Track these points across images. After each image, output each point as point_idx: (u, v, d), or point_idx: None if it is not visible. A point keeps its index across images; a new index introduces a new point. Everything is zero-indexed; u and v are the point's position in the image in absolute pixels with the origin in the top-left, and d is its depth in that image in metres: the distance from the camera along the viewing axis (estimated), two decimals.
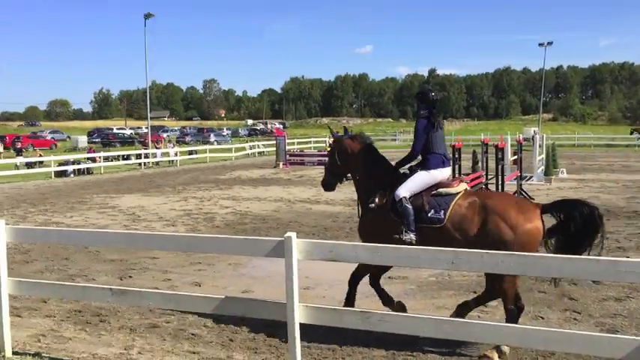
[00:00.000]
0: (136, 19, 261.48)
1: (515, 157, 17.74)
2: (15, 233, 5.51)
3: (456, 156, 13.49)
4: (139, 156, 34.92)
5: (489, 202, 5.36)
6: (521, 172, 17.09)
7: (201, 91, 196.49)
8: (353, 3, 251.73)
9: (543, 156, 21.74)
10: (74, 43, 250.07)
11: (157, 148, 39.12)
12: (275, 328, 6.01)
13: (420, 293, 7.38)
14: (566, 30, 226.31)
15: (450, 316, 5.34)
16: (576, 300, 6.88)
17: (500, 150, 15.15)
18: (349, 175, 6.36)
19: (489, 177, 15.73)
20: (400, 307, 5.94)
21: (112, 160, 34.40)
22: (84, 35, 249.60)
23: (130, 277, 8.45)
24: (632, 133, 62.15)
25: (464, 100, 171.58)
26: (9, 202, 17.61)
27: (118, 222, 13.50)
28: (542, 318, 6.30)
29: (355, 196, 6.48)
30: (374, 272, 5.94)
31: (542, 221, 5.24)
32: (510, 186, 16.23)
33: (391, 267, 5.93)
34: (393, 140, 66.87)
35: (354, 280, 6.02)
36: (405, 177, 5.82)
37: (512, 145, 19.51)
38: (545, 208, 5.31)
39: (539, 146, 21.90)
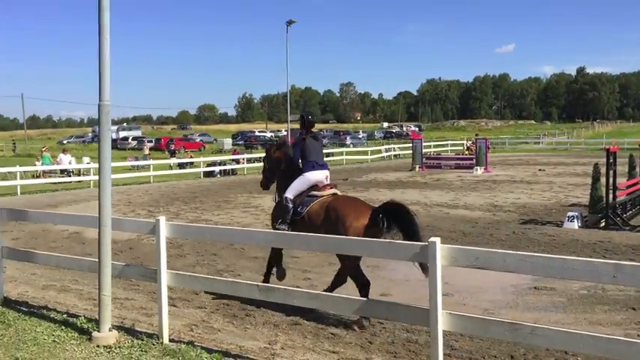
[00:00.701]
0: (276, 26, 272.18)
1: None
2: (173, 229, 5.94)
3: (610, 160, 12.46)
4: None
5: (333, 202, 6.83)
6: None
7: (338, 95, 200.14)
8: (494, 1, 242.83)
9: None
10: (220, 53, 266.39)
11: None
12: (414, 333, 5.96)
13: (571, 306, 6.91)
14: None
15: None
16: None
17: None
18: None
19: None
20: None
21: (253, 162, 36.07)
22: (229, 44, 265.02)
23: (272, 274, 8.76)
24: None
25: (617, 101, 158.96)
26: (164, 200, 19.11)
27: (261, 221, 14.10)
28: None
29: None
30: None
31: (370, 220, 6.31)
32: None
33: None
34: (537, 144, 63.36)
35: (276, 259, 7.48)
36: (295, 180, 7.35)
37: None
38: (376, 210, 6.38)
39: None
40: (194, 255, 10.21)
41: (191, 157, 37.60)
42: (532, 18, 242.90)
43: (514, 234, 11.65)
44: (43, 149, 31.08)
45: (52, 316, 6.59)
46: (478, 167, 28.86)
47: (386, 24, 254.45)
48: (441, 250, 4.22)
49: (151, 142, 69.11)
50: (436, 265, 4.19)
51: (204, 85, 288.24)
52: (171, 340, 5.73)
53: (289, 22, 40.82)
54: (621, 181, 13.99)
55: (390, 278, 8.43)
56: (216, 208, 16.62)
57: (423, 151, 33.59)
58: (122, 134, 75.02)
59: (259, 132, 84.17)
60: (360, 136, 78.19)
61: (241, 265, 9.37)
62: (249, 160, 35.09)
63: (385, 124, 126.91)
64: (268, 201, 17.98)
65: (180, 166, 33.23)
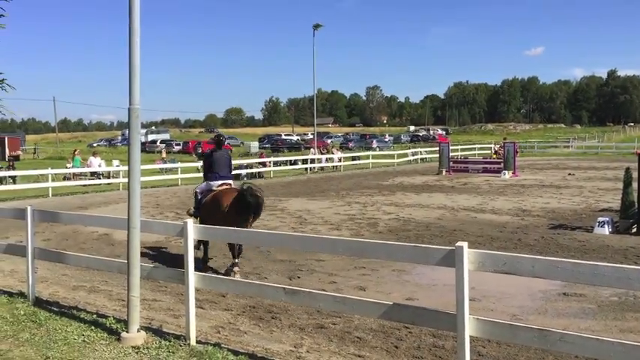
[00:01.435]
0: (303, 30, 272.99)
1: None
2: (201, 232, 6.01)
3: None
4: (305, 161, 36.41)
5: (217, 192, 9.36)
6: None
7: (364, 98, 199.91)
8: (523, 3, 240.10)
9: None
10: (248, 57, 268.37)
11: (321, 153, 40.44)
12: (440, 339, 5.92)
13: (601, 313, 6.79)
14: None
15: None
16: None
17: None
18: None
19: None
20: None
21: (280, 165, 36.20)
22: (256, 48, 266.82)
23: (299, 277, 8.80)
24: None
25: None
26: (192, 202, 19.25)
27: (287, 224, 14.15)
28: None
29: None
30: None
31: (232, 202, 8.84)
32: None
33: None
34: (566, 147, 62.34)
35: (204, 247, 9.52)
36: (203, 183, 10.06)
37: None
38: (235, 195, 8.90)
39: None
40: (221, 257, 10.29)
41: None
42: (562, 20, 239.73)
43: (543, 239, 11.49)
44: (76, 152, 31.65)
45: (82, 316, 6.71)
46: (506, 171, 28.51)
47: (413, 27, 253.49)
48: (468, 255, 4.18)
49: (179, 145, 69.96)
50: (463, 269, 4.16)
51: (231, 89, 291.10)
52: (198, 342, 5.78)
53: (316, 26, 40.94)
54: None
55: (416, 283, 8.38)
56: None
57: (450, 154, 33.33)
58: (151, 137, 76.05)
59: (286, 135, 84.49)
60: (387, 140, 77.99)
61: (267, 268, 9.42)
62: (275, 164, 35.22)
63: (412, 128, 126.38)
64: (294, 204, 18.06)
65: None
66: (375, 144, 68.84)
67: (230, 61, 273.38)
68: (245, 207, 8.71)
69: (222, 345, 5.74)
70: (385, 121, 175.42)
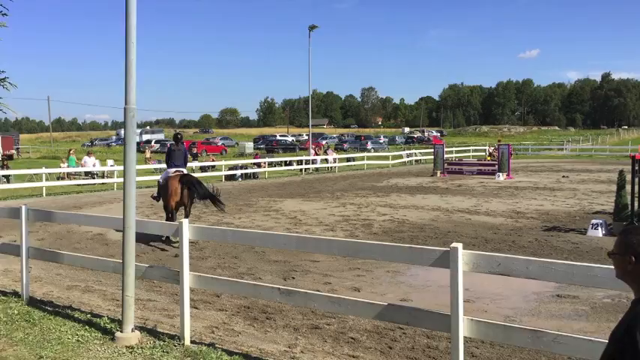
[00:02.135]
0: (298, 31, 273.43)
1: None
2: (195, 232, 6.00)
3: (636, 168, 12.25)
4: (299, 162, 36.41)
5: (169, 177, 11.88)
6: None
7: (359, 100, 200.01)
8: (518, 5, 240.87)
9: None
10: (243, 57, 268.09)
11: (316, 154, 40.42)
12: (435, 339, 5.93)
13: (594, 315, 6.83)
14: None
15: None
16: None
17: None
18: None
19: None
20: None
21: (275, 166, 36.16)
22: (251, 49, 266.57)
23: (293, 278, 8.80)
24: None
25: None
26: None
27: (282, 225, 14.15)
28: None
29: None
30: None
31: (180, 185, 11.76)
32: None
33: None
34: (560, 150, 62.51)
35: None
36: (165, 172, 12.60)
37: None
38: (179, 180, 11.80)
39: None
40: (216, 257, 10.29)
41: (213, 160, 37.80)
42: (556, 23, 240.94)
43: (537, 241, 11.53)
44: (71, 152, 31.53)
45: (76, 315, 6.70)
46: (500, 173, 28.60)
47: (408, 29, 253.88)
48: (463, 256, 4.20)
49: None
50: (458, 270, 4.18)
51: (226, 89, 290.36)
52: (192, 342, 5.78)
53: (311, 27, 40.89)
54: None
55: (411, 284, 8.40)
56: (238, 212, 16.71)
57: (445, 156, 33.40)
58: (145, 137, 75.82)
59: (281, 136, 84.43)
60: (382, 141, 78.05)
61: (262, 269, 9.42)
62: (270, 164, 35.19)
63: (407, 129, 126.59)
64: (289, 205, 18.08)
65: (202, 169, 33.45)
66: (369, 145, 68.81)
67: (225, 62, 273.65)
68: (185, 182, 11.78)
69: (217, 345, 5.75)
70: (380, 123, 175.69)
